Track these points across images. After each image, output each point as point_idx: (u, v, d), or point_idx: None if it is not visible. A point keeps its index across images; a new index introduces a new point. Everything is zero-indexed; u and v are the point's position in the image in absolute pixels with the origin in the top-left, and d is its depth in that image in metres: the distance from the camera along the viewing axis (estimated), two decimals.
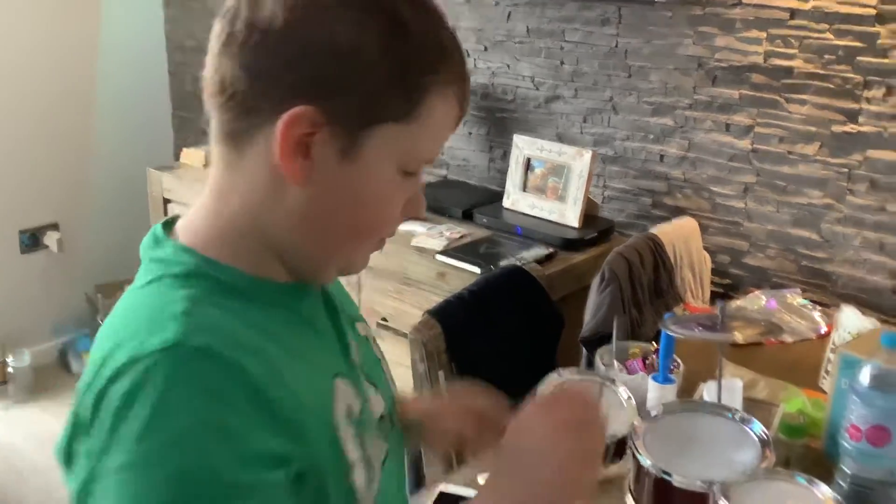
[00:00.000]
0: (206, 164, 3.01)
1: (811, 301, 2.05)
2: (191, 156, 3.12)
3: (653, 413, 1.19)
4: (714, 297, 2.31)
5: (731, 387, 1.42)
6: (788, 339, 1.88)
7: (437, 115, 0.78)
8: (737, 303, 2.03)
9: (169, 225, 0.83)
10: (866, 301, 2.11)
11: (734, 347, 1.79)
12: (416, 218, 0.84)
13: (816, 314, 1.97)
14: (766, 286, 2.22)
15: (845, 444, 1.19)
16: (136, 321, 0.72)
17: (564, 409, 0.83)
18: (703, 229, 2.34)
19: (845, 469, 1.20)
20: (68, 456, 0.72)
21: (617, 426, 1.15)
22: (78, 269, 3.52)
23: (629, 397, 1.20)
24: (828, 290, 2.20)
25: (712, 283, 2.33)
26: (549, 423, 0.81)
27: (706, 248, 2.32)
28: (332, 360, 0.86)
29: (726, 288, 2.34)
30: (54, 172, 3.42)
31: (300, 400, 0.74)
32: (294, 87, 0.73)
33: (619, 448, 1.20)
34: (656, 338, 1.53)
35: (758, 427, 1.06)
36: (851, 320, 1.68)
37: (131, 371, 0.67)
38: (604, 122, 2.53)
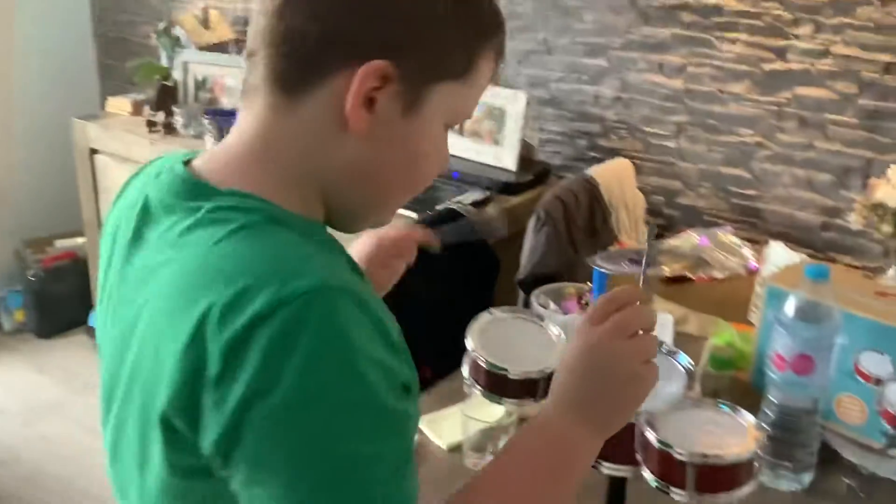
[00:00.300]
0: (132, 112, 2.91)
1: (742, 239, 2.08)
2: (117, 104, 3.02)
3: None
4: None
5: (661, 322, 1.44)
6: (719, 275, 1.91)
7: (484, 75, 0.83)
8: (670, 241, 2.05)
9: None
10: (797, 238, 2.15)
11: (665, 284, 1.82)
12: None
13: (747, 251, 2.00)
14: (699, 225, 2.24)
15: (771, 375, 1.22)
16: (258, 267, 0.70)
17: (626, 322, 0.86)
18: (638, 170, 2.35)
19: (771, 398, 1.23)
20: (189, 414, 0.69)
21: (549, 362, 1.16)
22: (5, 225, 3.41)
23: (559, 333, 1.21)
24: (759, 228, 2.24)
25: (646, 223, 2.35)
26: (614, 340, 0.85)
27: (640, 189, 2.33)
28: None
29: (660, 228, 2.37)
30: None
31: (396, 330, 0.77)
32: (369, 42, 0.75)
33: (550, 383, 1.21)
34: (592, 278, 1.54)
35: (684, 359, 1.07)
36: (779, 255, 1.72)
37: (280, 313, 0.67)
38: (539, 63, 2.51)
